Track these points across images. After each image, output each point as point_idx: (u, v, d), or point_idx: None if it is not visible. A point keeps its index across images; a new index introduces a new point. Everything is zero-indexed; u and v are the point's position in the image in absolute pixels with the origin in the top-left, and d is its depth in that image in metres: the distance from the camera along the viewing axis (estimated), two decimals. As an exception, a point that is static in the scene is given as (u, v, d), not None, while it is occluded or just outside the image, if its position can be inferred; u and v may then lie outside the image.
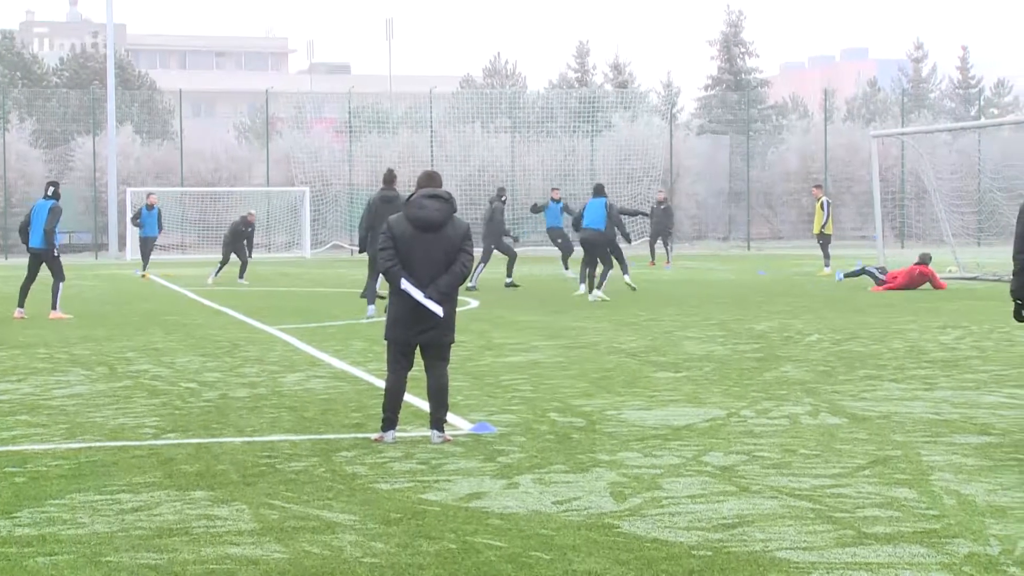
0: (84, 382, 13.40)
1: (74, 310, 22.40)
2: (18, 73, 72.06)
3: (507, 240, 29.02)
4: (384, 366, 10.25)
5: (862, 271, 28.71)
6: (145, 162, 57.53)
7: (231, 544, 6.80)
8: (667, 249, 38.78)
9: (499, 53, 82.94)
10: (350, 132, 57.28)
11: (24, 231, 21.24)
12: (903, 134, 44.63)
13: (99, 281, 33.50)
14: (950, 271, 31.27)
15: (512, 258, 28.65)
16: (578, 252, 27.25)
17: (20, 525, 7.25)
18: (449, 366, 9.95)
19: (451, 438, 9.79)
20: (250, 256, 32.98)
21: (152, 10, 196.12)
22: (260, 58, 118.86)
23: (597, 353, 15.65)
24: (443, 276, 9.68)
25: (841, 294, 25.70)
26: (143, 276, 34.44)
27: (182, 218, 53.51)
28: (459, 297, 10.03)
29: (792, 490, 7.98)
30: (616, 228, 24.41)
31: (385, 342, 9.93)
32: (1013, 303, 9.75)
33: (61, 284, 21.21)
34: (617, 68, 76.21)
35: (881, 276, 27.48)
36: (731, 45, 73.04)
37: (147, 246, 35.62)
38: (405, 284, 9.63)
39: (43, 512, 7.55)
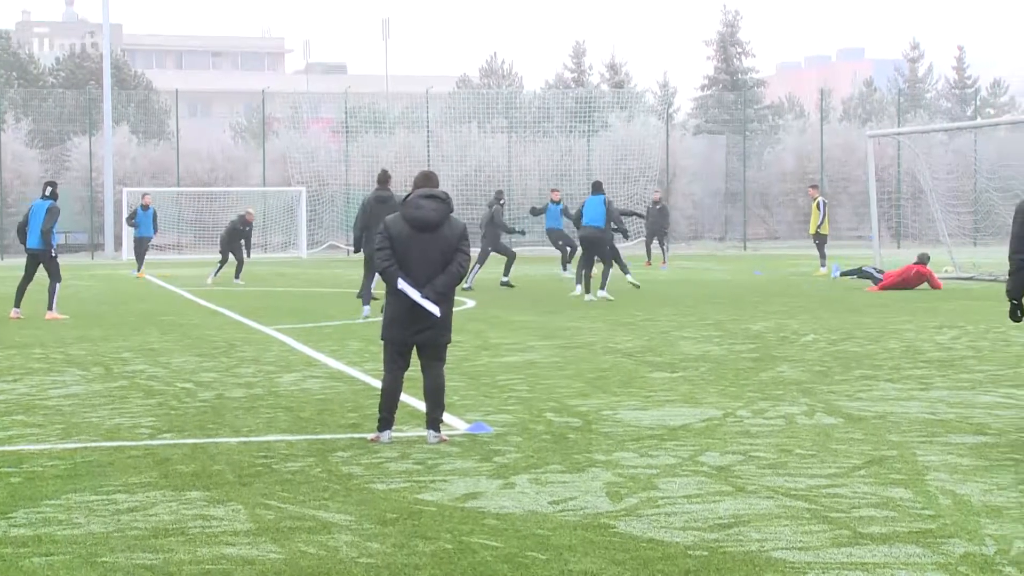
0: (80, 382, 13.39)
1: (70, 310, 22.39)
2: (14, 73, 72.00)
3: (509, 240, 29.06)
4: (380, 366, 10.25)
5: (859, 271, 28.74)
6: (141, 162, 57.49)
7: (227, 544, 6.80)
8: (663, 249, 38.78)
9: (495, 53, 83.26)
10: (346, 132, 57.27)
11: (22, 231, 21.22)
12: (899, 134, 44.65)
13: (95, 281, 33.48)
14: (946, 271, 31.29)
15: (511, 259, 28.66)
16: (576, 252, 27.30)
17: (16, 525, 7.25)
18: (445, 366, 9.95)
19: (447, 438, 9.79)
20: (248, 255, 32.97)
21: (148, 10, 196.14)
22: (256, 58, 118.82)
23: (593, 353, 15.65)
24: (440, 276, 9.68)
25: (837, 294, 25.71)
26: (138, 276, 34.43)
27: (178, 218, 53.49)
28: (455, 297, 10.01)
29: (788, 490, 7.98)
30: (615, 225, 24.44)
31: (382, 342, 9.93)
32: (1009, 303, 9.76)
33: (58, 285, 21.19)
34: (613, 68, 76.23)
35: (879, 276, 27.52)
36: (727, 45, 73.08)
37: (142, 246, 35.61)
38: (402, 284, 9.63)
39: (39, 512, 7.55)
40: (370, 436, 9.87)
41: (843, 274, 30.09)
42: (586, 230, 24.24)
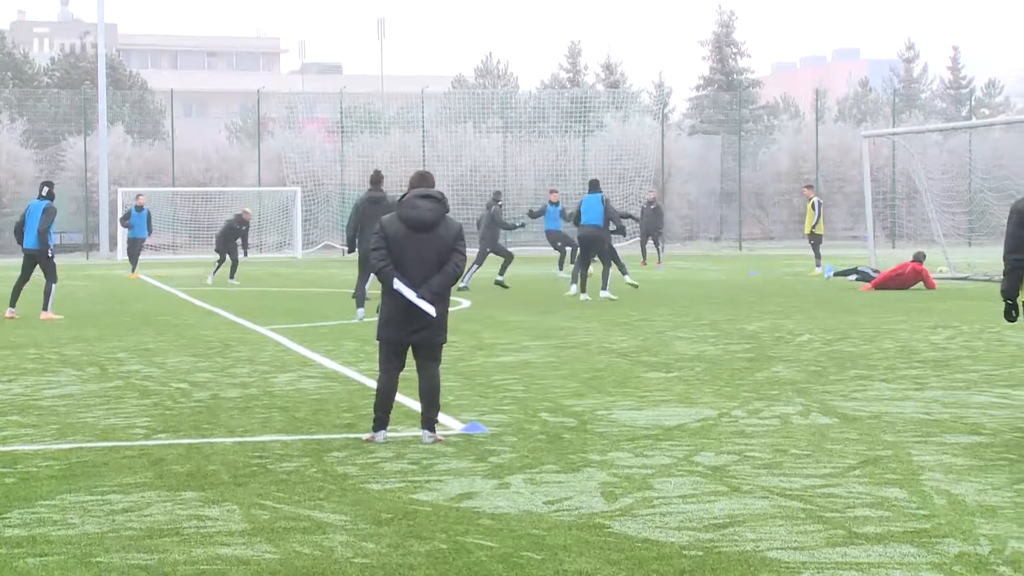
0: (75, 382, 13.38)
1: (65, 310, 22.37)
2: (9, 73, 71.95)
3: (505, 241, 29.08)
4: (375, 366, 10.24)
5: (853, 271, 28.76)
6: (136, 162, 57.48)
7: (222, 544, 6.79)
8: (658, 249, 38.78)
9: (491, 53, 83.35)
10: (342, 132, 57.27)
11: (19, 231, 21.21)
12: (894, 134, 44.70)
13: (90, 281, 33.46)
14: (941, 271, 31.30)
15: (508, 260, 28.65)
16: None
17: (10, 526, 7.24)
18: (441, 366, 9.95)
19: (442, 438, 9.79)
20: (245, 255, 32.96)
21: (143, 10, 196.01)
22: (252, 58, 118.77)
23: (588, 353, 15.65)
24: (435, 276, 9.68)
25: (832, 294, 25.73)
26: (131, 276, 34.37)
27: (173, 218, 53.49)
28: (451, 297, 10.01)
29: (783, 490, 7.99)
30: (613, 222, 24.46)
31: (377, 342, 9.93)
32: (1003, 303, 9.78)
33: (54, 285, 21.17)
34: (609, 68, 76.28)
35: (874, 275, 27.54)
36: (723, 45, 73.14)
37: (136, 247, 35.52)
38: (398, 284, 9.63)
39: (33, 513, 7.54)
40: (365, 436, 9.87)
41: (837, 274, 30.10)
42: (584, 229, 24.23)
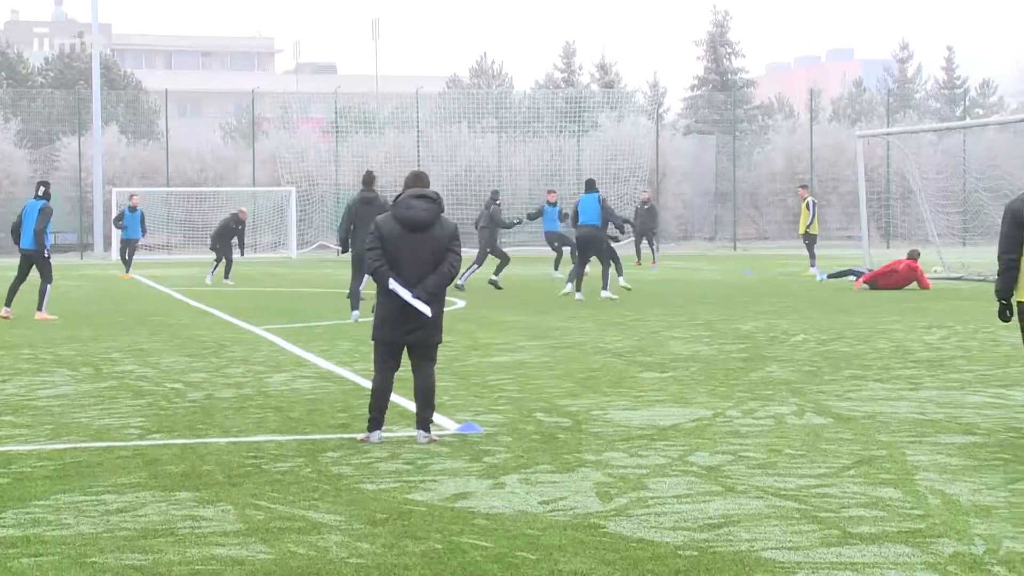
0: (69, 382, 13.37)
1: (59, 310, 22.35)
2: (2, 73, 71.86)
3: (500, 242, 29.17)
4: (370, 366, 10.24)
5: (849, 273, 28.78)
6: (131, 162, 57.44)
7: (216, 545, 6.79)
8: (652, 249, 38.81)
9: (485, 53, 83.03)
10: (336, 132, 57.25)
11: (16, 231, 21.21)
12: (889, 134, 44.73)
13: (84, 281, 33.43)
14: (935, 271, 31.33)
15: (505, 262, 28.62)
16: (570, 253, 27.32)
17: (4, 526, 7.24)
18: (436, 366, 9.95)
19: (437, 438, 9.79)
20: (242, 254, 32.94)
21: (138, 10, 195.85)
22: (246, 58, 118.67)
23: (583, 353, 15.66)
24: (431, 276, 9.68)
25: (826, 294, 25.75)
26: (124, 276, 34.31)
27: (168, 218, 53.43)
28: (446, 297, 10.01)
29: (777, 490, 7.99)
30: (611, 221, 24.48)
31: (372, 342, 9.93)
32: (998, 303, 9.78)
33: (48, 286, 21.15)
34: (603, 68, 76.27)
35: (865, 271, 27.57)
36: (717, 45, 73.14)
37: (129, 248, 35.37)
38: (393, 284, 9.63)
39: (28, 513, 7.53)
40: (360, 436, 9.87)
41: (831, 276, 30.11)
42: (582, 229, 24.26)
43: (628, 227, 28.64)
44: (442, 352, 12.70)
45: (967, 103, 76.16)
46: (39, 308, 21.03)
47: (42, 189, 21.27)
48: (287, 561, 6.46)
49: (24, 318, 20.91)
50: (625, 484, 8.20)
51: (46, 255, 20.88)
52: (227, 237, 32.15)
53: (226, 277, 31.87)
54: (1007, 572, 6.19)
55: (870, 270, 28.47)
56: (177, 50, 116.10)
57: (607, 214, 24.28)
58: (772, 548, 6.64)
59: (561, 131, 58.19)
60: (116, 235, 41.52)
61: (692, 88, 74.40)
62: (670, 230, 59.12)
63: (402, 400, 11.09)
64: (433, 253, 9.72)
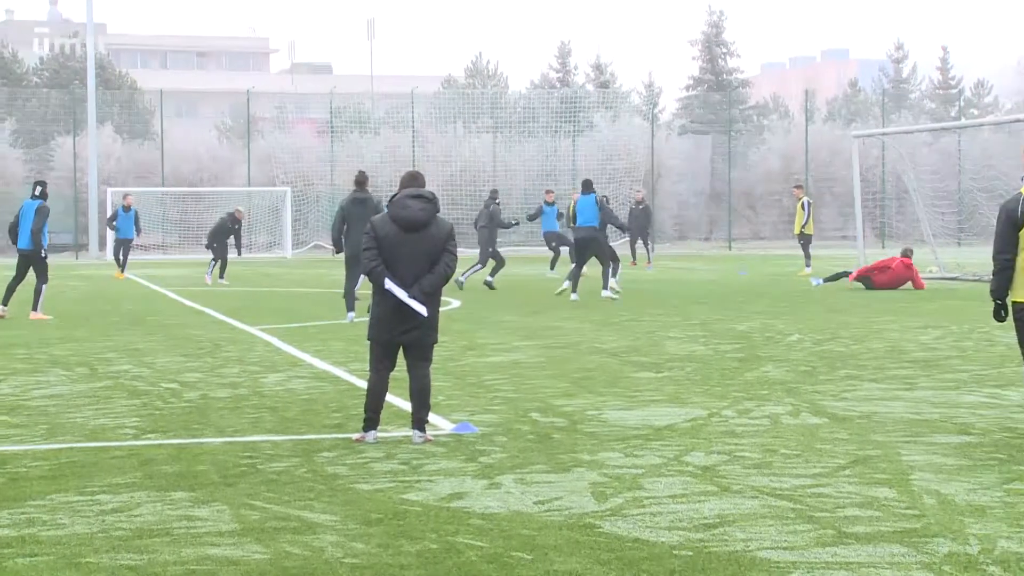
0: (64, 382, 13.36)
1: (54, 310, 22.32)
2: (-3, 73, 71.80)
3: (514, 224, 29.56)
4: (365, 366, 10.24)
5: (843, 274, 28.78)
6: (126, 162, 57.41)
7: (211, 545, 6.78)
8: (647, 249, 38.83)
9: (481, 53, 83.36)
10: (332, 132, 57.24)
11: (13, 231, 21.20)
12: (884, 134, 44.75)
13: (80, 281, 33.40)
14: (930, 271, 31.35)
15: (501, 264, 28.61)
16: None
17: (-1, 526, 7.23)
18: (431, 366, 9.94)
19: (432, 438, 9.78)
20: (239, 254, 32.92)
21: (133, 10, 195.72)
22: (241, 58, 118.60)
23: (578, 353, 15.65)
24: (427, 276, 9.68)
25: (821, 295, 25.77)
26: (118, 276, 34.25)
27: (163, 218, 53.41)
28: (441, 297, 10.01)
29: (773, 490, 7.99)
30: (610, 222, 24.49)
31: (368, 342, 9.93)
32: (993, 303, 9.78)
33: (44, 286, 21.13)
34: (599, 68, 76.31)
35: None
36: (712, 45, 73.20)
37: (123, 248, 35.23)
38: (389, 284, 9.63)
39: (23, 513, 7.52)
40: (355, 436, 9.86)
41: (827, 280, 30.10)
42: (581, 231, 24.28)
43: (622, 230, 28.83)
44: (437, 352, 12.69)
45: (962, 103, 76.24)
46: (34, 308, 21.02)
47: (39, 189, 21.24)
48: (282, 561, 6.46)
49: (19, 318, 20.89)
50: (620, 484, 8.20)
51: (43, 255, 20.86)
52: (224, 236, 32.14)
53: (221, 277, 31.86)
54: (1002, 572, 6.19)
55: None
56: (172, 50, 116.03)
57: (606, 216, 24.29)
58: (767, 548, 6.64)
59: (556, 131, 58.21)
60: (111, 235, 41.51)
61: (687, 88, 74.46)
62: (666, 230, 59.15)
63: (397, 400, 11.08)
64: (429, 253, 9.72)
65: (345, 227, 19.64)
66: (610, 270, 24.60)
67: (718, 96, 68.78)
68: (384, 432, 9.99)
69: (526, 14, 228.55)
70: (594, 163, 55.19)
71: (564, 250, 32.31)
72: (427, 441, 9.69)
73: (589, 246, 24.23)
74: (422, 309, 9.63)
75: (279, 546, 6.74)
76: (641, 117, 63.09)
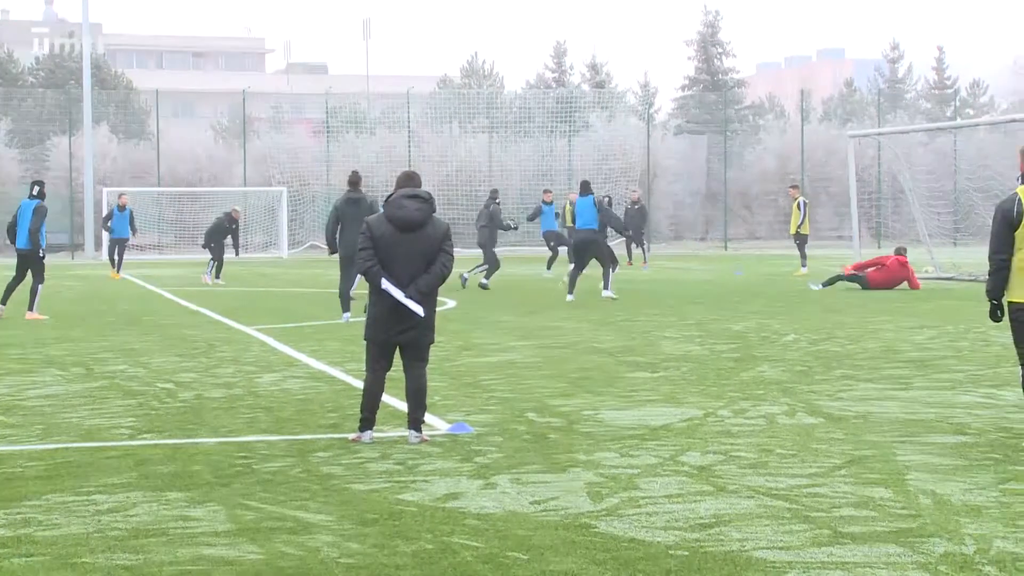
0: (59, 382, 13.34)
1: (50, 310, 22.29)
2: (-7, 72, 71.73)
3: (513, 227, 29.63)
4: (361, 366, 10.23)
5: (838, 277, 28.77)
6: (122, 162, 57.35)
7: (206, 545, 6.78)
8: (643, 249, 38.84)
9: (476, 53, 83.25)
10: (328, 132, 57.22)
11: (12, 231, 21.18)
12: (880, 134, 44.77)
13: (75, 281, 33.37)
14: (926, 271, 31.35)
15: (495, 267, 28.59)
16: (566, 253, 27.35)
17: (-6, 526, 7.22)
18: (427, 366, 9.94)
19: (428, 438, 9.78)
20: (237, 254, 32.91)
21: (129, 10, 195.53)
22: (237, 58, 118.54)
23: (575, 353, 15.65)
24: (423, 276, 9.68)
25: (817, 295, 25.77)
26: (113, 276, 34.20)
27: (159, 218, 53.36)
28: (438, 297, 10.02)
29: (769, 490, 7.99)
30: (609, 223, 24.48)
31: (364, 342, 9.92)
32: (989, 303, 9.79)
33: (40, 286, 21.11)
34: (594, 68, 76.30)
35: (860, 275, 27.57)
36: (708, 45, 73.21)
37: (118, 248, 35.15)
38: (385, 284, 9.62)
39: (18, 513, 7.52)
40: (351, 436, 9.86)
41: (825, 284, 30.09)
42: (580, 233, 24.28)
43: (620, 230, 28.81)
44: (434, 352, 12.69)
45: (958, 103, 76.25)
46: (30, 308, 21.00)
47: (36, 188, 21.22)
48: (277, 561, 6.45)
49: (15, 318, 20.86)
50: (616, 484, 8.19)
51: (41, 255, 20.85)
52: (221, 236, 32.12)
53: (217, 276, 31.84)
54: (998, 572, 6.19)
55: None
56: (168, 50, 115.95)
57: (606, 218, 24.29)
58: (763, 548, 6.64)
59: (552, 131, 58.19)
60: (106, 235, 41.49)
61: (683, 88, 74.47)
62: (661, 230, 59.15)
63: (393, 400, 11.08)
64: (425, 253, 9.72)
65: (339, 227, 19.62)
66: (611, 270, 24.60)
67: (714, 96, 68.79)
68: (380, 432, 9.98)
69: (522, 14, 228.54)
70: (590, 163, 55.17)
71: (563, 250, 32.28)
72: (423, 441, 9.69)
73: (589, 248, 24.22)
74: (418, 309, 9.62)
75: (274, 546, 6.73)
76: (637, 117, 63.08)
